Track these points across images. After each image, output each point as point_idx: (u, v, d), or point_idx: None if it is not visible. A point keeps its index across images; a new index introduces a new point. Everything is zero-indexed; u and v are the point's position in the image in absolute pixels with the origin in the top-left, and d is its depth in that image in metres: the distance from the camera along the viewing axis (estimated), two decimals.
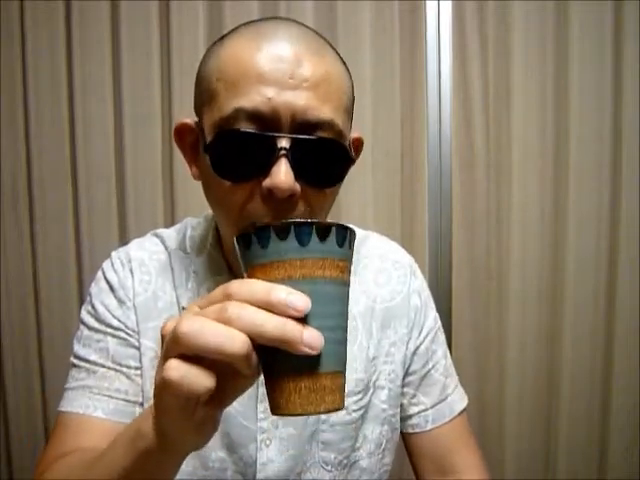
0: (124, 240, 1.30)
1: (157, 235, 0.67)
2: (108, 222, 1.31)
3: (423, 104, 1.30)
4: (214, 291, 0.34)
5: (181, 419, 0.35)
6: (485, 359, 1.34)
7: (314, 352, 0.32)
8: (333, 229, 0.35)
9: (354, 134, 0.58)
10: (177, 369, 0.32)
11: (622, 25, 1.25)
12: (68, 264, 1.32)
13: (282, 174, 0.46)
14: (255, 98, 0.46)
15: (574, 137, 1.28)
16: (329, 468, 0.62)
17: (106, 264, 0.65)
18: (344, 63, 0.54)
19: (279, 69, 0.47)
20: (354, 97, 0.56)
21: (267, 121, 0.46)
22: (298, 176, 0.47)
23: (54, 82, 1.29)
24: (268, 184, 0.47)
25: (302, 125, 0.47)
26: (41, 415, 1.36)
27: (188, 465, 0.59)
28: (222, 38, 0.53)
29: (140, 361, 0.60)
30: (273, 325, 0.32)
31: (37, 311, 1.33)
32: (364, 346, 0.64)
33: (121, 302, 0.61)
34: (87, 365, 0.60)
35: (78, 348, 0.61)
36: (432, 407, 0.68)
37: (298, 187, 0.48)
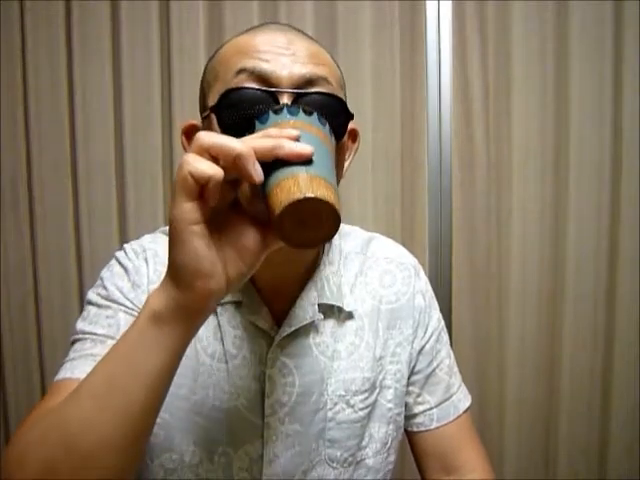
0: (124, 240, 1.29)
1: (166, 233, 0.68)
2: (108, 222, 1.31)
3: (423, 104, 1.30)
4: None
5: (188, 221, 0.38)
6: (485, 359, 1.34)
7: (307, 152, 0.38)
8: (315, 112, 0.43)
9: (349, 125, 0.59)
10: (194, 156, 0.37)
11: (622, 25, 1.25)
12: (68, 264, 1.32)
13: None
14: (256, 61, 0.52)
15: (574, 137, 1.28)
16: (335, 465, 0.63)
17: (119, 253, 0.65)
18: (338, 65, 0.59)
19: (276, 44, 0.53)
20: (345, 87, 0.60)
21: (268, 79, 0.51)
22: None
23: (54, 82, 1.29)
24: None
25: (300, 82, 0.51)
26: None
27: (195, 457, 0.60)
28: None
29: None
30: (271, 140, 0.38)
31: (37, 311, 1.33)
32: (371, 345, 0.65)
33: (136, 285, 0.61)
34: (93, 337, 0.57)
35: (83, 325, 0.59)
36: (437, 406, 0.69)
37: None
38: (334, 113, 0.52)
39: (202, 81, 0.58)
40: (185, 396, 0.60)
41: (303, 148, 0.38)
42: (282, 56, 0.52)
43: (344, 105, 0.54)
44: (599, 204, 1.30)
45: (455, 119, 1.30)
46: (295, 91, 0.51)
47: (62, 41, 1.28)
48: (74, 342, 0.58)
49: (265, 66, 0.51)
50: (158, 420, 0.56)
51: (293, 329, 0.60)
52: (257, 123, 0.42)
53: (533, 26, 1.27)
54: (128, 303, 0.60)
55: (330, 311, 0.63)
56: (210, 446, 0.60)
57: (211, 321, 0.61)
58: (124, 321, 0.58)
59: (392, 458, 0.69)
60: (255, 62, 0.51)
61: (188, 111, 1.27)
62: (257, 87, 0.51)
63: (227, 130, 0.52)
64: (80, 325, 0.59)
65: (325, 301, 0.62)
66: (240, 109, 0.51)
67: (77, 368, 0.54)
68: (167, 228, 0.68)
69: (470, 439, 0.71)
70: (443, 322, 0.73)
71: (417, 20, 1.29)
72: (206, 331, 0.61)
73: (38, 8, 1.27)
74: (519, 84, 1.28)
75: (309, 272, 0.63)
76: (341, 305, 0.63)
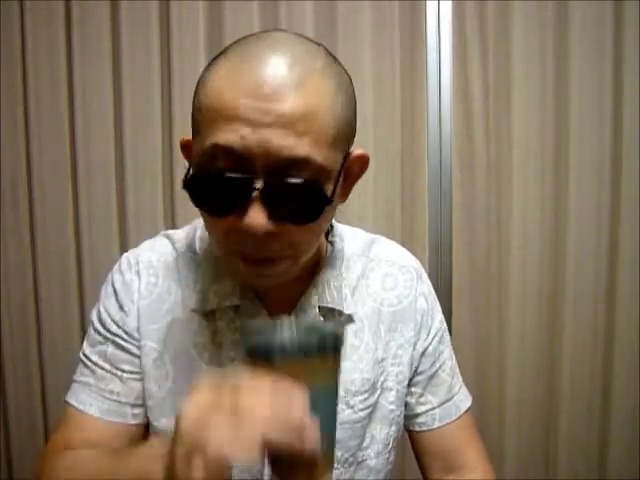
0: (124, 240, 1.29)
1: (167, 236, 0.68)
2: (108, 222, 1.31)
3: (423, 104, 1.30)
4: (233, 380, 0.37)
5: None
6: (485, 359, 1.34)
7: (312, 449, 0.36)
8: (327, 338, 0.41)
9: (358, 150, 0.56)
10: (205, 470, 0.34)
11: (622, 25, 1.25)
12: (68, 264, 1.32)
13: (253, 218, 0.47)
14: (230, 136, 0.46)
15: (574, 137, 1.28)
16: (336, 465, 0.63)
17: (115, 267, 0.66)
18: (340, 84, 0.51)
19: (254, 106, 0.45)
20: (352, 121, 0.54)
21: (241, 159, 0.46)
22: (274, 215, 0.47)
23: (54, 82, 1.29)
24: (243, 223, 0.47)
25: (276, 164, 0.46)
26: (41, 415, 1.36)
27: None
28: (217, 57, 0.52)
29: (141, 361, 0.62)
30: (282, 434, 0.35)
31: (37, 311, 1.33)
32: (371, 347, 0.65)
33: (122, 306, 0.62)
34: (90, 364, 0.63)
35: (86, 346, 0.64)
36: (439, 406, 0.69)
37: (272, 226, 0.48)
38: (309, 199, 0.49)
39: (193, 100, 0.53)
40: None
41: (311, 444, 0.36)
42: (260, 128, 0.45)
43: (320, 192, 0.49)
44: (599, 204, 1.30)
45: (455, 119, 1.30)
46: (268, 179, 0.46)
47: (62, 41, 1.28)
48: (81, 360, 0.64)
49: (238, 146, 0.46)
50: (159, 425, 0.61)
51: None
52: (263, 353, 0.40)
53: (533, 26, 1.27)
54: (113, 327, 0.62)
55: (330, 314, 0.63)
56: None
57: (208, 327, 0.62)
58: (110, 349, 0.62)
59: (392, 458, 0.70)
60: (228, 137, 0.46)
61: (188, 111, 1.27)
62: (228, 173, 0.47)
63: (201, 207, 0.50)
64: (84, 345, 0.64)
65: (325, 304, 0.62)
66: (212, 191, 0.48)
67: (79, 395, 0.62)
68: (169, 232, 0.69)
69: (471, 439, 0.71)
70: (445, 324, 0.73)
71: (417, 20, 1.29)
72: (202, 338, 0.61)
73: (38, 8, 1.27)
74: (519, 84, 1.28)
75: (309, 274, 0.63)
76: (341, 309, 0.63)
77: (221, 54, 0.51)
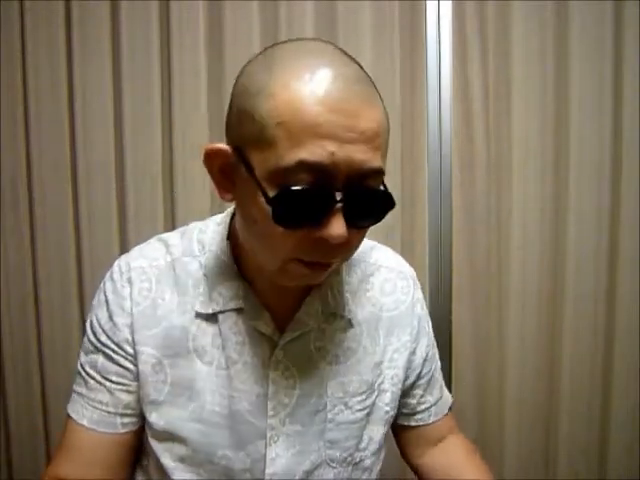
0: (124, 241, 1.29)
1: (161, 240, 0.68)
2: (108, 222, 1.31)
3: (423, 104, 1.30)
4: None
5: None
6: (485, 359, 1.34)
7: None
8: None
9: None
10: None
11: (622, 25, 1.25)
12: (68, 264, 1.32)
13: (339, 228, 0.49)
14: (317, 151, 0.47)
15: (574, 137, 1.28)
16: (334, 465, 0.65)
17: (107, 275, 0.66)
18: (381, 98, 0.55)
19: (339, 123, 0.47)
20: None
21: (326, 174, 0.47)
22: (350, 224, 0.50)
23: (54, 82, 1.29)
24: (324, 234, 0.49)
25: (355, 176, 0.49)
26: (41, 415, 1.36)
27: (195, 460, 0.62)
28: (270, 65, 0.50)
29: (137, 369, 0.62)
30: None
31: (37, 312, 1.33)
32: (369, 351, 0.67)
33: (111, 316, 0.62)
34: (83, 374, 0.64)
35: (81, 355, 0.65)
36: (435, 404, 0.75)
37: (347, 234, 0.50)
38: (381, 206, 0.53)
39: (240, 109, 0.51)
40: (182, 404, 0.62)
41: None
42: (346, 143, 0.47)
43: (391, 198, 0.53)
44: (599, 204, 1.30)
45: (455, 119, 1.30)
46: (350, 190, 0.49)
47: (62, 41, 1.28)
48: (78, 370, 0.65)
49: (327, 162, 0.47)
50: (158, 428, 0.62)
51: (297, 334, 0.62)
52: None
53: (533, 26, 1.27)
54: (103, 338, 0.62)
55: (332, 318, 0.65)
56: (210, 449, 0.62)
57: (210, 330, 0.62)
58: (100, 359, 0.63)
59: (383, 455, 0.73)
60: (317, 154, 0.46)
61: (188, 111, 1.27)
62: (314, 187, 0.48)
63: (281, 222, 0.49)
64: (81, 353, 0.65)
65: (328, 309, 0.64)
66: (297, 205, 0.48)
67: (74, 405, 0.64)
68: (163, 235, 0.69)
69: (454, 426, 0.79)
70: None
71: (417, 20, 1.29)
72: (203, 340, 0.62)
73: (38, 8, 1.27)
74: (519, 84, 1.28)
75: None
76: (342, 313, 0.65)
77: (279, 59, 0.50)
